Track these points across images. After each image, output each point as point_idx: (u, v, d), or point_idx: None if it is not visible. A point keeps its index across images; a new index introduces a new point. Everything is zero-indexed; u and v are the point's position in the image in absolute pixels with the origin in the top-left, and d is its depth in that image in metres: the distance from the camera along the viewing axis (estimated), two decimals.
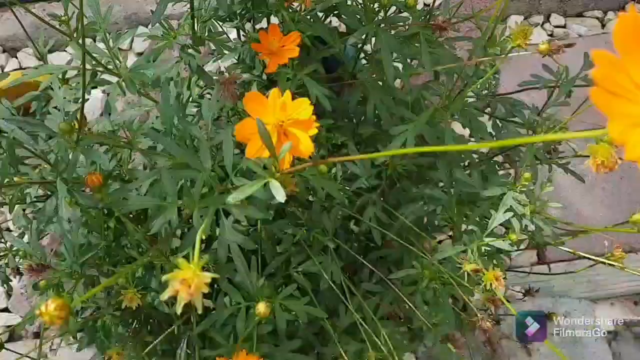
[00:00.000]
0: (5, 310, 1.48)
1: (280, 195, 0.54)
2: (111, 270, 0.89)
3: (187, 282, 0.34)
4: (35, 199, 0.81)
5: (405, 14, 0.91)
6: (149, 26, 1.87)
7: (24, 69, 1.78)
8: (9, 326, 1.46)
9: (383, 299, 1.04)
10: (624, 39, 0.27)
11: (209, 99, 1.01)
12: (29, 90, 1.02)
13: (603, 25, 2.03)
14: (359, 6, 0.94)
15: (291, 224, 1.02)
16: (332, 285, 0.97)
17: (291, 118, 0.57)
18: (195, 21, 0.90)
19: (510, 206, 0.83)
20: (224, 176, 0.72)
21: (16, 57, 1.86)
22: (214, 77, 1.09)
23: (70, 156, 0.73)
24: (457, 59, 0.96)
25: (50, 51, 1.78)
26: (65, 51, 1.85)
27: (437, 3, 0.93)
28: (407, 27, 0.88)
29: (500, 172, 1.34)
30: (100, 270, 0.91)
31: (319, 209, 1.05)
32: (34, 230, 0.86)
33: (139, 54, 1.83)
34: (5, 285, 1.03)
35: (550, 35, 1.99)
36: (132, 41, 1.86)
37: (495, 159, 1.18)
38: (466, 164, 1.10)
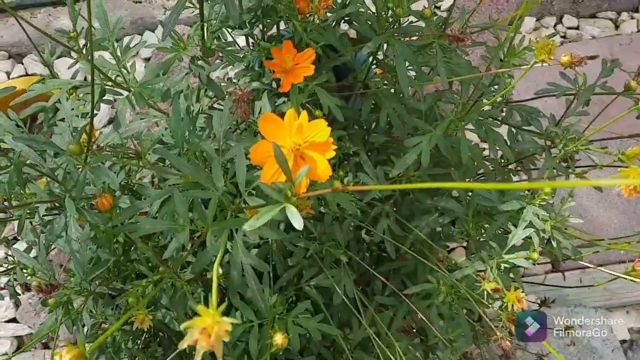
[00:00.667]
0: (14, 320, 1.47)
1: (297, 222, 0.52)
2: (121, 286, 0.88)
3: (206, 330, 0.32)
4: (44, 214, 0.80)
5: (418, 22, 0.89)
6: (156, 32, 1.85)
7: (30, 75, 1.76)
8: (17, 336, 1.45)
9: (397, 312, 1.02)
10: None
11: (220, 109, 0.99)
12: (36, 99, 1.01)
13: (617, 27, 1.99)
14: (372, 14, 0.92)
15: (303, 236, 1.00)
16: (345, 299, 0.95)
17: (308, 141, 0.55)
18: (205, 31, 0.88)
19: (530, 221, 0.81)
20: (235, 192, 0.71)
21: (22, 63, 1.84)
22: (223, 84, 1.08)
23: (78, 174, 0.71)
24: (472, 67, 0.94)
25: (57, 57, 1.77)
26: (72, 57, 1.83)
27: (446, 6, 0.91)
28: (420, 35, 0.86)
29: (515, 179, 1.32)
30: (110, 286, 0.89)
31: (330, 220, 1.03)
32: (43, 246, 0.84)
33: (146, 60, 1.81)
34: (13, 299, 1.02)
35: (563, 37, 1.96)
36: None
37: (510, 166, 1.15)
38: (480, 171, 1.08)
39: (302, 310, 0.88)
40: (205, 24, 0.87)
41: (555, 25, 1.98)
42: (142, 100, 0.72)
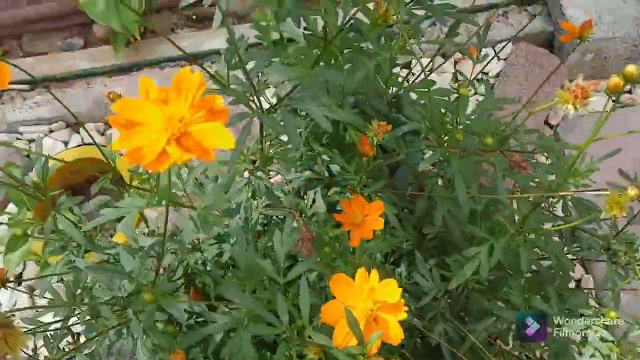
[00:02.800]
0: None
1: None
2: None
3: None
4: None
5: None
6: None
7: (86, 144, 1.82)
8: None
9: None
10: None
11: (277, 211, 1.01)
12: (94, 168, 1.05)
13: None
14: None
15: None
16: None
17: (379, 301, 0.55)
18: (264, 143, 0.91)
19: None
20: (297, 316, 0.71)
21: (79, 133, 1.90)
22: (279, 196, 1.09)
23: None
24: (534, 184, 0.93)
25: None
26: None
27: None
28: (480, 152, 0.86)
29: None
30: None
31: None
32: None
33: None
34: None
35: (615, 100, 1.90)
36: None
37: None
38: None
39: None
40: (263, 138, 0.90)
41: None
42: (205, 226, 0.74)
